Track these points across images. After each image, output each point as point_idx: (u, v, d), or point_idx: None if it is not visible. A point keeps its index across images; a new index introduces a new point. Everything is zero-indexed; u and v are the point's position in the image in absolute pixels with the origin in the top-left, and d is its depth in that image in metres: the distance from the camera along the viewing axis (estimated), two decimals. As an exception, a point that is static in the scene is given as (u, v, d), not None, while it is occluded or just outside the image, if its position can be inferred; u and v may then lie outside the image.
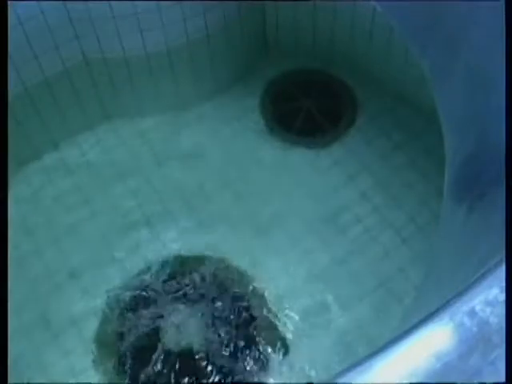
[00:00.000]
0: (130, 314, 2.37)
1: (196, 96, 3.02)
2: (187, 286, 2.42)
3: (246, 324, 2.34)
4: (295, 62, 3.18)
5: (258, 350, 2.28)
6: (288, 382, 2.22)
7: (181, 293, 2.41)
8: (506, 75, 1.27)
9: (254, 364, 2.25)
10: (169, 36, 2.66)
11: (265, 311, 2.37)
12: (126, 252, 2.56)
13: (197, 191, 2.74)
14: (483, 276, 0.94)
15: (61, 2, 2.41)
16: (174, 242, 2.58)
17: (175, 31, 2.66)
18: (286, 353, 2.28)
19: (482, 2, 1.52)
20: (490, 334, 0.88)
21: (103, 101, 2.89)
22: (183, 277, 2.46)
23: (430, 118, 2.69)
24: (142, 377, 2.23)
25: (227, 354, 2.26)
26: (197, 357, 2.25)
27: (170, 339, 2.30)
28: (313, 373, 2.21)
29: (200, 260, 2.51)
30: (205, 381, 2.21)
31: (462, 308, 0.91)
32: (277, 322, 2.34)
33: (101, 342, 2.33)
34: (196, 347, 2.27)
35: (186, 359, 2.25)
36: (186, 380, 2.22)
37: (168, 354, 2.27)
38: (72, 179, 2.80)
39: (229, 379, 2.21)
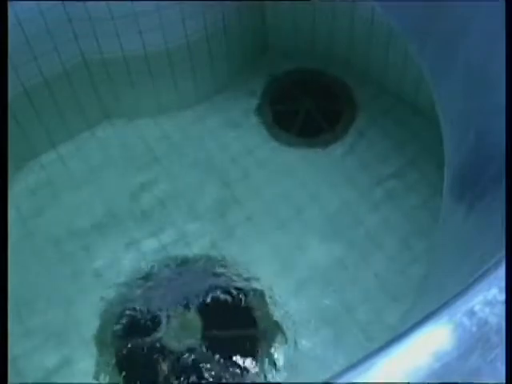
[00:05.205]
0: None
1: (195, 96, 3.02)
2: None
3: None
4: (294, 62, 3.18)
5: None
6: (287, 381, 2.22)
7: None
8: (507, 75, 1.27)
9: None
10: (168, 36, 2.66)
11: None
12: (124, 249, 2.56)
13: (196, 191, 2.74)
14: (482, 276, 0.94)
15: (60, 2, 2.41)
16: (172, 241, 2.58)
17: (174, 31, 2.66)
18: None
19: (481, 2, 1.52)
20: (489, 333, 0.88)
21: (102, 101, 2.88)
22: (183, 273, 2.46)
23: (429, 118, 2.71)
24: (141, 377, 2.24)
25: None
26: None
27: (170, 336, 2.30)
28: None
29: (198, 259, 2.51)
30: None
31: (461, 308, 0.91)
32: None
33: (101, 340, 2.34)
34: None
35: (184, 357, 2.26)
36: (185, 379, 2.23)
37: (167, 352, 2.28)
38: (71, 179, 2.80)
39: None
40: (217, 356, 2.26)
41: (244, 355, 2.27)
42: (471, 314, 0.90)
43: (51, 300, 2.44)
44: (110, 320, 2.38)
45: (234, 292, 2.42)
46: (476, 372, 0.85)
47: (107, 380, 2.25)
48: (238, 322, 2.36)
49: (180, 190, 2.75)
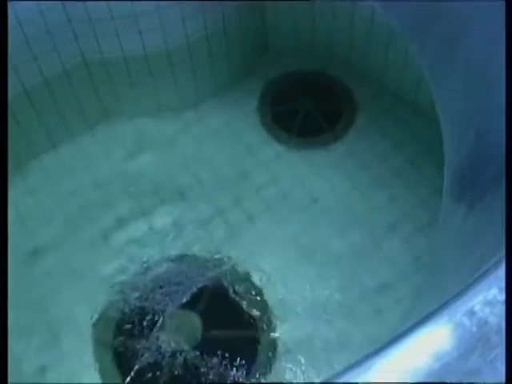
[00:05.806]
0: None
1: (195, 96, 3.02)
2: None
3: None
4: (294, 63, 3.18)
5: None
6: (287, 381, 2.22)
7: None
8: (507, 75, 1.27)
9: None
10: (168, 36, 2.66)
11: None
12: (124, 249, 2.56)
13: (197, 191, 2.74)
14: (482, 276, 0.94)
15: (60, 2, 2.41)
16: (172, 241, 2.58)
17: (174, 31, 2.66)
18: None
19: (481, 2, 1.52)
20: (489, 333, 0.88)
21: (102, 101, 2.88)
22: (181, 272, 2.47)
23: (428, 118, 2.71)
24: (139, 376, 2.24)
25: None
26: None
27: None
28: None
29: (198, 259, 2.51)
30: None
31: (461, 308, 0.91)
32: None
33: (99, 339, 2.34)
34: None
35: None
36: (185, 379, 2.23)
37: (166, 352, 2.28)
38: (71, 179, 2.80)
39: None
40: (216, 356, 2.26)
41: (243, 356, 2.27)
42: (471, 313, 0.90)
43: (50, 299, 2.44)
44: (110, 320, 2.38)
45: (234, 292, 2.42)
46: (476, 372, 0.85)
47: (106, 380, 2.25)
48: (237, 323, 2.36)
49: (180, 189, 2.75)
